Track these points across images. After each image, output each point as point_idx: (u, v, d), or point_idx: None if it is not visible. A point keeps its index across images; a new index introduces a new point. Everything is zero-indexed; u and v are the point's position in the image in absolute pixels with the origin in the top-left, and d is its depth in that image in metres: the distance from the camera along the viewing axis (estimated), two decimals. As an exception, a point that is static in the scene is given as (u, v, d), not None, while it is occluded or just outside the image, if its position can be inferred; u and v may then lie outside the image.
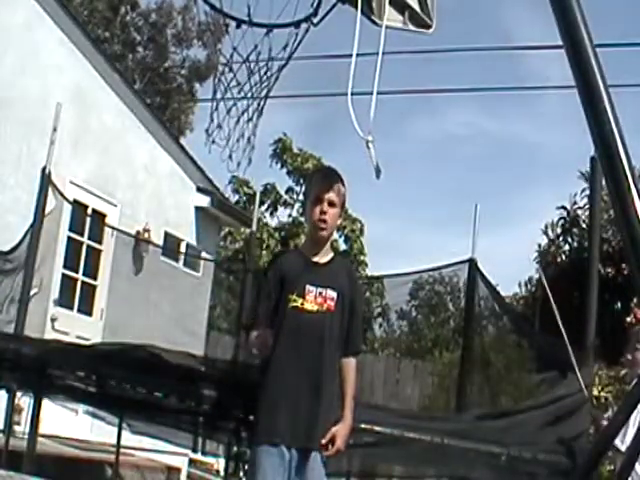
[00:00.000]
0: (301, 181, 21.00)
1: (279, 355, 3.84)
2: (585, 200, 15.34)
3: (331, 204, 3.94)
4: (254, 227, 10.91)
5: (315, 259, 3.98)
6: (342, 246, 21.04)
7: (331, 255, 4.04)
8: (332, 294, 3.88)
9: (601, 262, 10.86)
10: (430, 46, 13.15)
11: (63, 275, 10.28)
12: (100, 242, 10.84)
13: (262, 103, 4.57)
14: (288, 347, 3.83)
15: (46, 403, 7.00)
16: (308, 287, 3.86)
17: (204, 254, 12.77)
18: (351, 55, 3.78)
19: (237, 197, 21.51)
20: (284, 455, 3.73)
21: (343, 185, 4.03)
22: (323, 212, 3.92)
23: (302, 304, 3.85)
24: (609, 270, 14.48)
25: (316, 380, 3.80)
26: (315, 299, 3.86)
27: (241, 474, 6.98)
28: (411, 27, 4.44)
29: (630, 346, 5.42)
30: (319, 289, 3.87)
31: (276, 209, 21.63)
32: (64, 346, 6.90)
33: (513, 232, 33.07)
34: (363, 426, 4.92)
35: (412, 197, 36.96)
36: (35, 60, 10.03)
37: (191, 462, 10.29)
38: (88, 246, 10.72)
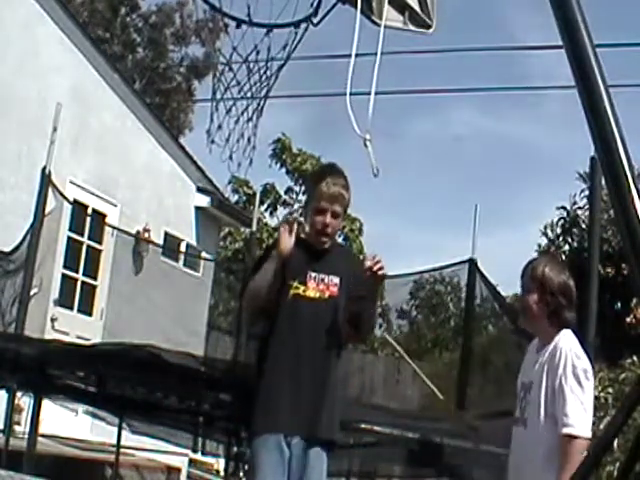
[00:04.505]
0: (300, 181, 21.00)
1: (280, 342, 3.79)
2: (585, 200, 15.31)
3: (335, 215, 3.88)
4: (254, 227, 10.91)
5: (317, 247, 3.93)
6: (342, 246, 21.02)
7: (330, 242, 3.99)
8: (335, 280, 3.84)
9: (601, 262, 10.83)
10: (430, 46, 13.14)
11: (63, 275, 10.27)
12: (100, 242, 10.83)
13: (262, 103, 4.56)
14: (289, 334, 3.78)
15: (46, 403, 7.00)
16: (310, 274, 3.83)
17: (204, 254, 12.77)
18: (351, 55, 3.78)
19: (237, 197, 21.50)
20: (284, 445, 3.67)
21: (348, 189, 3.95)
22: (326, 225, 3.86)
23: (304, 291, 3.81)
24: (609, 270, 14.44)
25: (319, 368, 3.75)
26: (317, 285, 3.82)
27: (241, 474, 6.98)
28: (411, 27, 4.43)
29: None
30: (321, 275, 3.83)
31: (276, 209, 21.63)
32: (64, 346, 6.90)
33: (513, 232, 33.09)
34: (363, 426, 4.92)
35: (412, 197, 37.01)
36: (35, 60, 10.02)
37: (191, 462, 10.28)
38: (88, 246, 10.71)
